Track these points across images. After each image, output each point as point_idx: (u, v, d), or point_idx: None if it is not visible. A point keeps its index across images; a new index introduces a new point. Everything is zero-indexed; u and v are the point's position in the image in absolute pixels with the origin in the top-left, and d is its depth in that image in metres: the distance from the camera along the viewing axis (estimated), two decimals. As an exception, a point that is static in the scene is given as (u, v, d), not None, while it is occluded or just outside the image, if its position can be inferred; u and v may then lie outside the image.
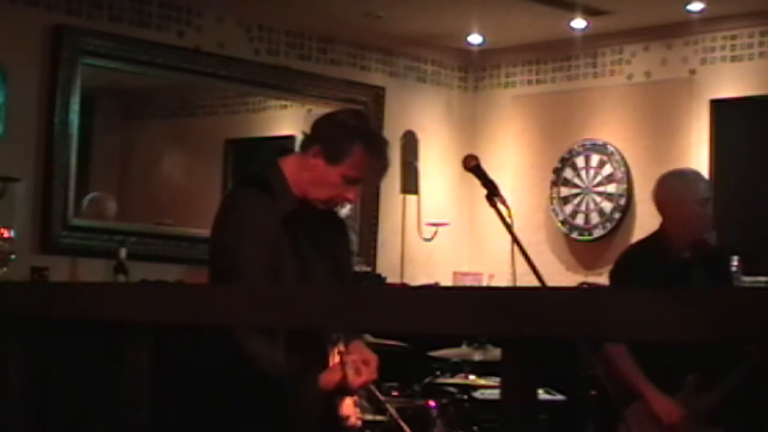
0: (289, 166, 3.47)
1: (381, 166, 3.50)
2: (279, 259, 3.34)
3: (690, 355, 4.54)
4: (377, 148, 3.46)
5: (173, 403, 3.65)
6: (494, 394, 5.45)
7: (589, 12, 7.13)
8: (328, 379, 3.38)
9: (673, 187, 4.83)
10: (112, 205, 6.98)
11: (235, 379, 3.33)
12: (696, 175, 5.06)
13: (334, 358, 3.43)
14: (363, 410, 3.75)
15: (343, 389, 3.43)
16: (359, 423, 3.64)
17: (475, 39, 7.84)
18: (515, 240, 3.56)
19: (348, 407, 3.57)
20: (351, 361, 3.38)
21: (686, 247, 4.76)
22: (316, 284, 3.36)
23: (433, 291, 2.51)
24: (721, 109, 7.12)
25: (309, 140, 3.47)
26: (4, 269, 5.82)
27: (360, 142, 3.40)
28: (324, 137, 3.43)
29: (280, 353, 3.28)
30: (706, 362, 4.58)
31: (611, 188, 7.51)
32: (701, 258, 4.79)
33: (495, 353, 5.46)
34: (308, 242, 3.43)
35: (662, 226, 4.84)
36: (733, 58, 7.12)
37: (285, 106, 7.65)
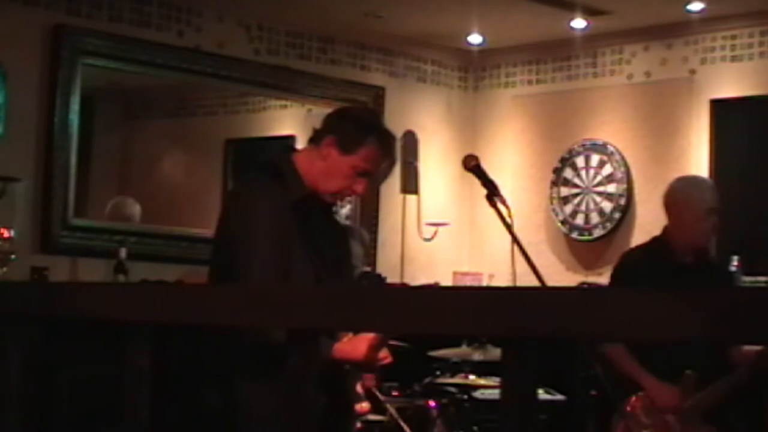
0: (300, 158, 3.53)
1: (390, 161, 3.58)
2: (291, 244, 3.37)
3: (689, 354, 4.54)
4: (389, 144, 3.54)
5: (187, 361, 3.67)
6: (494, 394, 5.46)
7: (589, 12, 7.13)
8: (348, 350, 3.38)
9: (681, 192, 4.84)
10: (136, 209, 6.99)
11: (248, 341, 3.35)
12: (706, 183, 5.09)
13: (348, 333, 3.44)
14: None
15: (366, 365, 3.45)
16: (366, 408, 3.68)
17: (475, 39, 7.84)
18: (515, 240, 3.56)
19: (361, 389, 3.59)
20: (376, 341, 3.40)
21: (687, 253, 4.77)
22: (326, 271, 3.42)
23: (433, 291, 2.51)
24: (721, 109, 7.11)
25: (321, 132, 3.53)
26: (4, 269, 5.81)
27: (373, 136, 3.48)
28: (338, 128, 3.49)
29: None
30: (704, 361, 4.59)
31: (611, 188, 7.51)
32: (702, 265, 4.81)
33: (495, 353, 5.46)
34: (318, 231, 3.47)
35: (666, 229, 4.85)
36: (733, 58, 7.11)
37: (285, 106, 7.64)
